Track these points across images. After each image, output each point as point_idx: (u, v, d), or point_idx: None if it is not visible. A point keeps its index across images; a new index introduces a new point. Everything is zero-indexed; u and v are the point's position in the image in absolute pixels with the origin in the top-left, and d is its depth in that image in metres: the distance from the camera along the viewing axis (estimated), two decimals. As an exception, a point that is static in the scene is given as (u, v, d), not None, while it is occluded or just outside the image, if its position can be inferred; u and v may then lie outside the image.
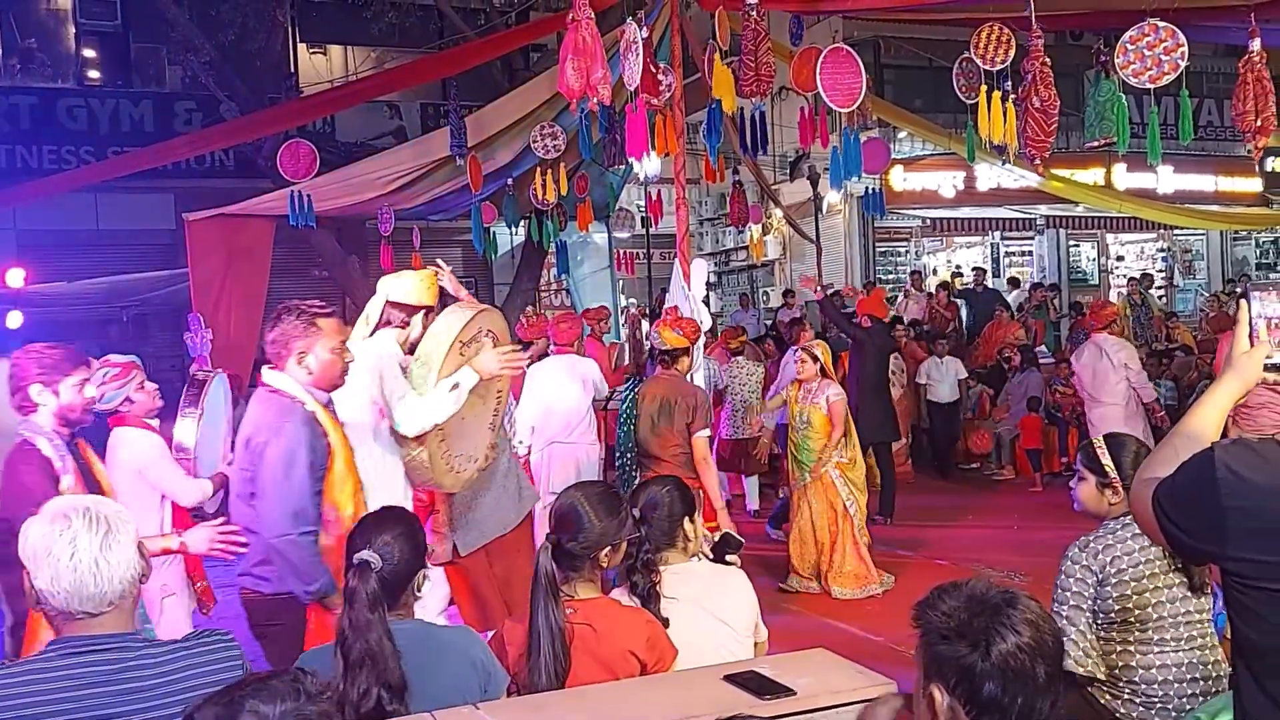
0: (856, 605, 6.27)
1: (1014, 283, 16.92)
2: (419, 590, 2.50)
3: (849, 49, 5.68)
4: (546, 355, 6.73)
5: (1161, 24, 4.47)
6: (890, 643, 5.24)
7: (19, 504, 2.89)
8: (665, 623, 2.69)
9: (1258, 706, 1.70)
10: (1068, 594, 2.81)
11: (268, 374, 3.26)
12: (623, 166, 10.03)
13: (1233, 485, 1.66)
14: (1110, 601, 2.76)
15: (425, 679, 2.31)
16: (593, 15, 4.50)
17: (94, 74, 15.85)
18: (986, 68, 5.16)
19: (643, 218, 16.37)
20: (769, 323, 15.33)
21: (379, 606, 2.24)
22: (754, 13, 5.24)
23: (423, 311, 4.16)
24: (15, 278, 11.28)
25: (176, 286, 10.99)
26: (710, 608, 2.83)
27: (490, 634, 2.89)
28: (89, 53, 15.82)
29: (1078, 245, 19.23)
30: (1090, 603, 2.79)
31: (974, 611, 1.56)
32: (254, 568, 3.17)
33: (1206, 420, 1.85)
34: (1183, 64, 4.44)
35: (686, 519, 2.91)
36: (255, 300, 9.98)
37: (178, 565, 4.26)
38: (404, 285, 4.11)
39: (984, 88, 5.04)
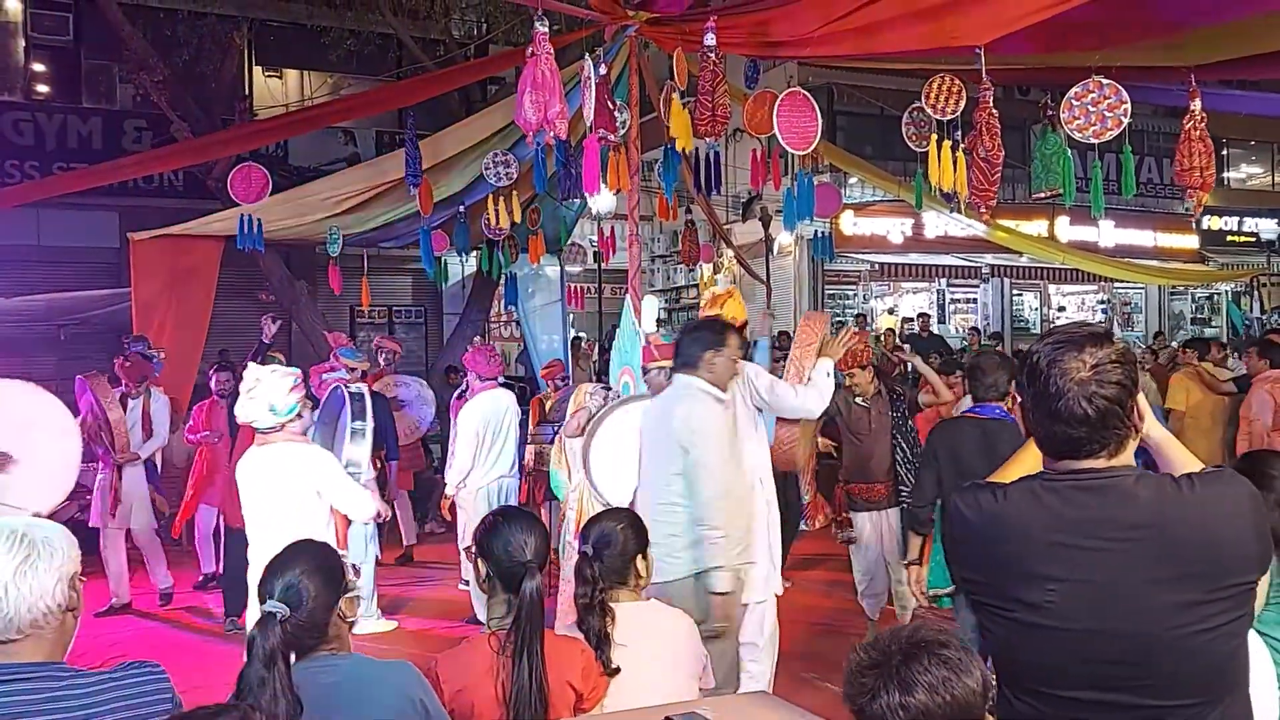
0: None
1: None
2: (350, 616, 2.42)
3: (805, 93, 5.77)
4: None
5: (1106, 81, 4.61)
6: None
7: None
8: (615, 671, 2.65)
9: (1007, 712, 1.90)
10: None
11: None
12: (577, 201, 10.06)
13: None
14: None
15: (359, 715, 2.25)
16: (552, 51, 4.52)
17: (42, 88, 15.58)
18: (937, 117, 5.27)
19: (594, 253, 16.43)
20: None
21: (277, 661, 2.11)
22: (713, 54, 5.31)
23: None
24: (-50, 293, 11.00)
25: (117, 306, 10.78)
26: (656, 651, 2.78)
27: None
28: (38, 67, 15.54)
29: (1021, 295, 19.67)
30: None
31: (872, 661, 1.57)
32: None
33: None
34: (1126, 120, 4.58)
35: (639, 555, 2.86)
36: (198, 322, 9.83)
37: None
38: (735, 309, 4.71)
39: (934, 136, 5.15)
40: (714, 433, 3.93)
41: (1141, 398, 1.97)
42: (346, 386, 4.98)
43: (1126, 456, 1.89)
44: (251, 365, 4.36)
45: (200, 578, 8.20)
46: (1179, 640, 1.77)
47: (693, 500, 3.81)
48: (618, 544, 2.84)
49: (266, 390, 4.09)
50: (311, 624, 2.26)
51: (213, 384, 8.05)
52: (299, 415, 4.22)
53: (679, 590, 3.77)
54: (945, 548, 2.10)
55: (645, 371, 5.15)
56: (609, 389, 6.16)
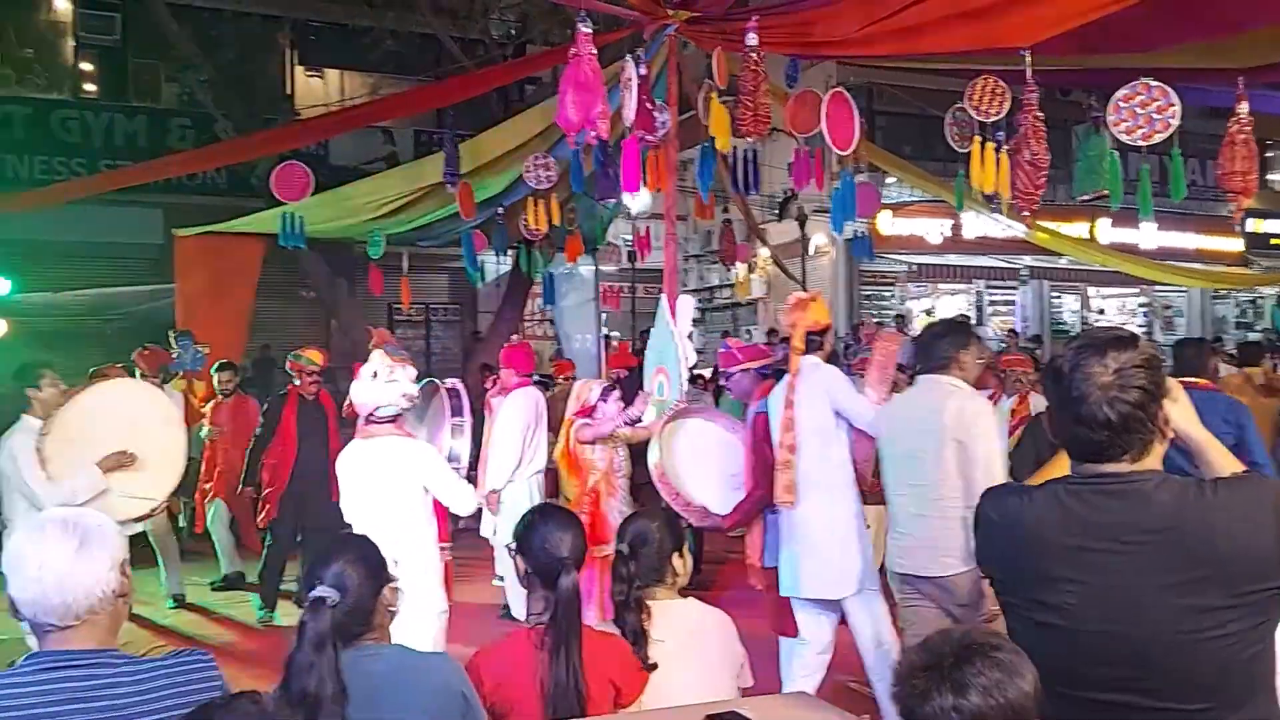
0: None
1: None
2: (392, 605, 2.46)
3: (846, 94, 5.75)
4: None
5: (1155, 83, 4.55)
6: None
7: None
8: (652, 667, 2.66)
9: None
10: None
11: None
12: (613, 201, 10.08)
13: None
14: None
15: (401, 707, 2.28)
16: (595, 51, 4.53)
17: (90, 87, 15.85)
18: (980, 119, 5.23)
19: (629, 252, 16.45)
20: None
21: (327, 646, 2.15)
22: (755, 54, 5.30)
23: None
24: (1, 287, 11.23)
25: (161, 302, 10.95)
26: (695, 649, 2.79)
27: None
28: (86, 66, 15.82)
29: (1060, 297, 19.45)
30: None
31: (924, 663, 1.57)
32: None
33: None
34: (1174, 123, 4.51)
35: (676, 554, 2.88)
36: (240, 319, 9.98)
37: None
38: (818, 312, 4.60)
39: (977, 139, 5.10)
40: (989, 426, 4.06)
41: (1174, 405, 1.96)
42: (443, 382, 5.06)
43: (1151, 461, 1.89)
44: (376, 353, 4.41)
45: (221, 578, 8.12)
46: (1195, 645, 1.78)
47: (969, 493, 3.84)
48: (654, 542, 2.86)
49: (401, 377, 4.16)
50: (358, 610, 2.30)
51: (216, 382, 8.10)
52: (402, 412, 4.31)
53: (963, 583, 3.92)
54: (976, 547, 2.14)
55: (728, 375, 5.15)
56: (615, 386, 6.16)
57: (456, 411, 4.77)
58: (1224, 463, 2.00)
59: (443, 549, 4.47)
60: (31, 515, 4.50)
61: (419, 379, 4.56)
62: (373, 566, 2.38)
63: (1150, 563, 1.81)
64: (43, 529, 1.91)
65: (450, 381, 5.05)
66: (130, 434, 4.88)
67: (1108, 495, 1.87)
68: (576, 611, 2.56)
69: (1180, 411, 2.03)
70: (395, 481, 4.17)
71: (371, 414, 4.23)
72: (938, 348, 4.23)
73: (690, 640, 2.79)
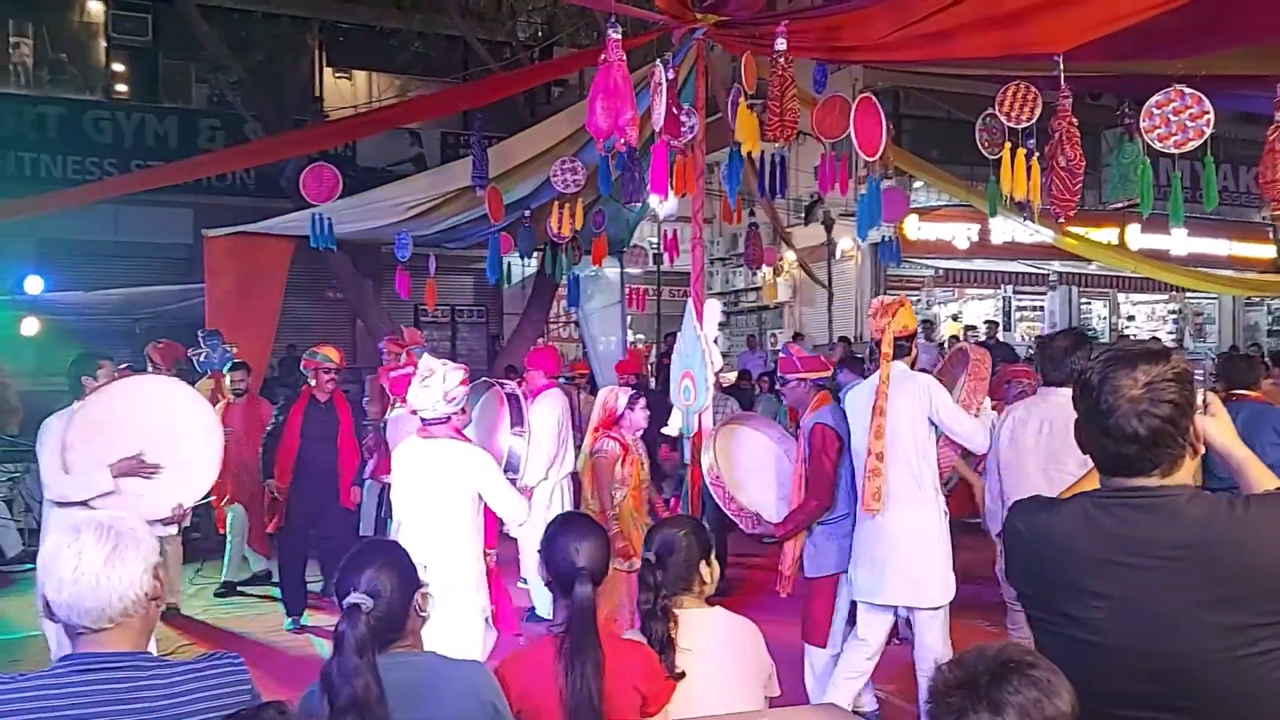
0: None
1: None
2: (423, 611, 2.46)
3: (874, 99, 5.72)
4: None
5: (1188, 90, 4.49)
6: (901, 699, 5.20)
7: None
8: (680, 676, 2.65)
9: None
10: None
11: None
12: (639, 204, 10.08)
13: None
14: None
15: (432, 715, 2.28)
16: (624, 57, 4.53)
17: (122, 88, 16.04)
18: (1011, 125, 5.19)
19: (655, 255, 16.43)
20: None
21: (368, 651, 2.16)
22: (783, 59, 5.28)
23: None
24: (33, 285, 11.36)
25: (191, 301, 11.05)
26: (722, 658, 2.78)
27: None
28: (118, 67, 16.01)
29: (1090, 303, 19.28)
30: None
31: (958, 681, 1.55)
32: None
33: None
34: (1208, 131, 4.46)
35: (703, 562, 2.86)
36: (268, 320, 10.04)
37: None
38: (906, 317, 4.63)
39: (1008, 145, 5.06)
40: None
41: (1212, 420, 1.93)
42: (502, 388, 5.06)
43: (1181, 476, 1.87)
44: (426, 356, 4.41)
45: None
46: (1225, 663, 1.75)
47: None
48: (681, 550, 2.84)
49: (441, 380, 4.15)
50: (391, 617, 2.30)
51: (228, 382, 7.97)
52: (463, 410, 4.28)
53: None
54: (1005, 562, 2.13)
55: (784, 381, 5.15)
56: (637, 390, 6.13)
57: (516, 419, 4.77)
58: (1264, 480, 1.97)
59: (487, 555, 4.45)
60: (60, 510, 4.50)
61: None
62: (404, 572, 2.38)
63: (1180, 579, 1.78)
64: (78, 533, 1.93)
65: (508, 386, 5.04)
66: (163, 436, 4.67)
67: (1136, 509, 1.84)
68: (592, 621, 2.56)
69: (1218, 427, 2.00)
70: (448, 485, 4.15)
71: (425, 418, 4.23)
72: (1068, 361, 4.32)
73: (718, 649, 2.78)
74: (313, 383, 6.95)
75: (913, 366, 4.67)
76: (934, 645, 4.49)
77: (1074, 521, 1.91)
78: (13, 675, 1.89)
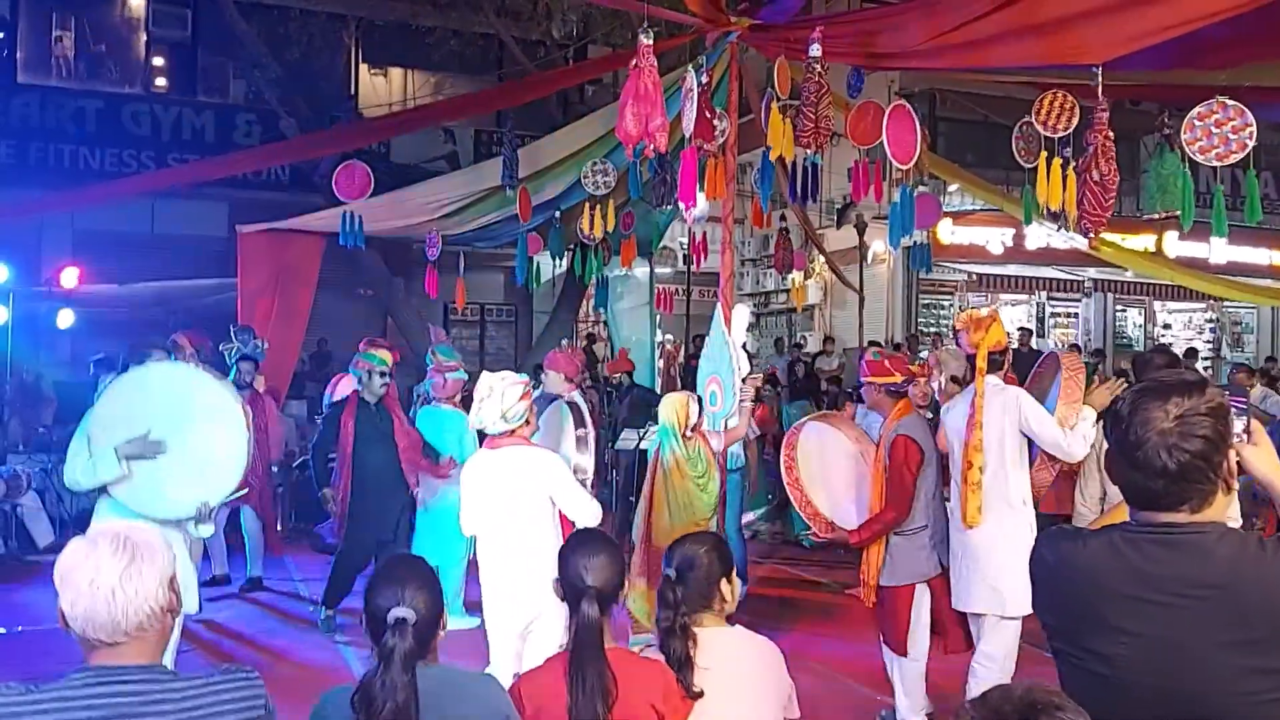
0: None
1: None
2: (444, 630, 2.47)
3: (908, 106, 5.66)
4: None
5: (1231, 102, 4.40)
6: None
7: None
8: (698, 695, 2.63)
9: None
10: None
11: None
12: (669, 207, 10.06)
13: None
14: None
15: (447, 726, 2.28)
16: (655, 63, 4.50)
17: (160, 82, 16.21)
18: (1047, 134, 5.11)
19: (685, 255, 16.38)
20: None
21: (412, 665, 2.20)
22: (818, 65, 5.23)
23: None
24: (69, 277, 11.50)
25: (224, 295, 11.14)
26: (741, 678, 2.74)
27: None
28: (157, 61, 16.19)
29: (1125, 311, 19.02)
30: None
31: None
32: None
33: None
34: (1251, 144, 4.37)
35: (724, 579, 2.82)
36: (299, 316, 10.12)
37: None
38: (999, 332, 4.68)
39: (1044, 154, 4.98)
40: None
41: (1256, 450, 1.87)
42: (568, 395, 5.07)
43: (1214, 512, 1.81)
44: (485, 373, 4.39)
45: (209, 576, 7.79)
46: (1251, 708, 1.71)
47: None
48: (702, 567, 2.80)
49: (499, 399, 4.16)
50: (426, 633, 2.32)
51: (235, 373, 7.66)
52: (527, 422, 4.28)
53: None
54: (1032, 591, 2.06)
55: (860, 385, 5.15)
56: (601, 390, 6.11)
57: (579, 424, 4.79)
58: None
59: None
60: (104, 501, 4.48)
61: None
62: (436, 591, 2.41)
63: (1208, 619, 1.74)
64: (94, 544, 1.92)
65: (570, 395, 5.06)
66: (187, 430, 4.47)
67: (1164, 546, 1.79)
68: (596, 641, 2.55)
69: (1260, 456, 1.94)
70: (523, 491, 4.15)
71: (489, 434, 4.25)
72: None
73: (737, 669, 2.74)
74: (360, 385, 6.71)
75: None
76: (994, 653, 4.53)
77: (1101, 555, 1.86)
78: (28, 686, 1.89)
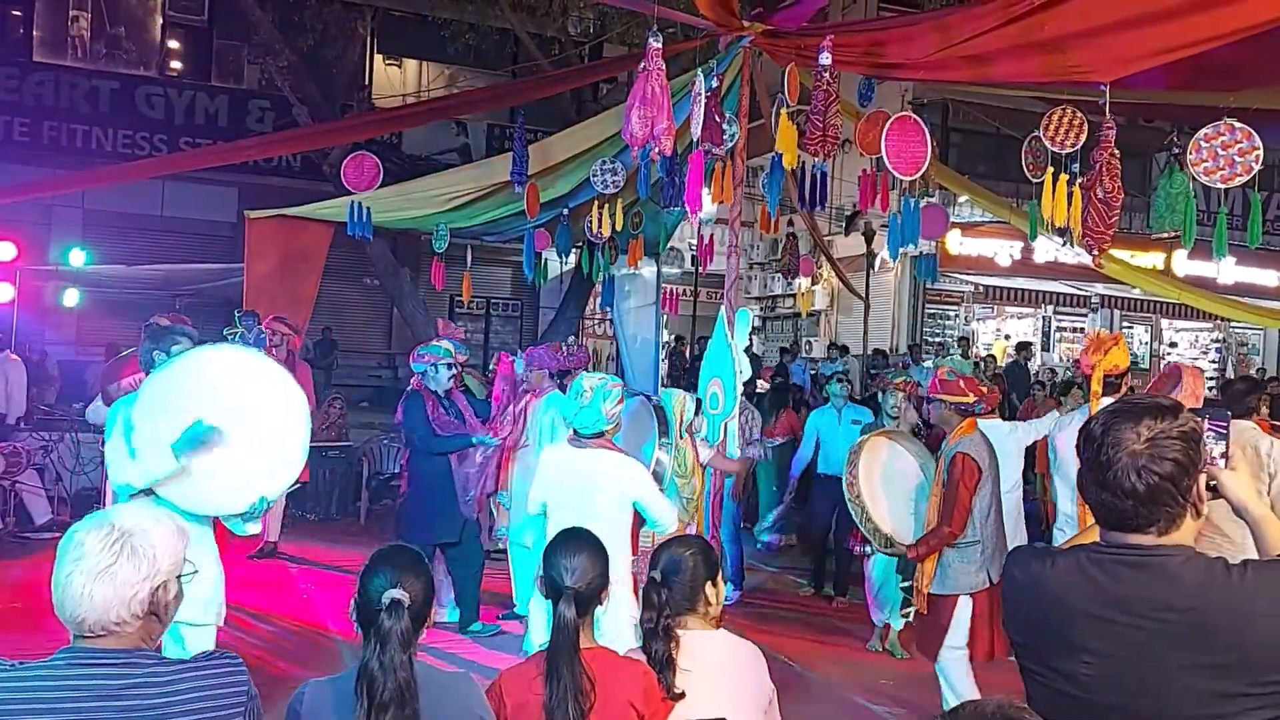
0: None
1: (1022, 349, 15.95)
2: (429, 622, 2.48)
3: (916, 118, 5.66)
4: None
5: (1238, 125, 4.40)
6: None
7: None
8: (678, 696, 2.64)
9: None
10: None
11: None
12: (677, 208, 10.07)
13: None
14: None
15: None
16: (664, 67, 4.51)
17: (175, 65, 16.26)
18: (1055, 150, 5.11)
19: (693, 257, 16.39)
20: (812, 373, 15.23)
21: (410, 645, 2.22)
22: (826, 73, 5.24)
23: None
24: (77, 258, 11.54)
25: (230, 280, 11.18)
26: (723, 681, 2.76)
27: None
28: (173, 44, 16.25)
29: (1132, 327, 19.00)
30: None
31: None
32: None
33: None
34: (1257, 166, 4.37)
35: (709, 583, 2.84)
36: (304, 304, 10.12)
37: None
38: (1119, 355, 4.82)
39: (1050, 170, 4.99)
40: None
41: (1228, 473, 1.89)
42: (648, 399, 5.10)
43: (1181, 536, 1.82)
44: (584, 374, 4.38)
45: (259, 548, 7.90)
46: None
47: None
48: (687, 570, 2.81)
49: (601, 399, 4.16)
50: (417, 621, 2.33)
51: None
52: (617, 425, 4.30)
53: None
54: (1003, 610, 2.10)
55: (928, 400, 5.14)
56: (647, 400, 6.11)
57: (663, 431, 4.82)
58: (1278, 544, 1.92)
59: (633, 561, 4.44)
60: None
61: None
62: (428, 578, 2.42)
63: (1173, 642, 1.75)
64: (88, 534, 1.92)
65: (652, 398, 5.09)
66: (248, 415, 3.90)
67: (1130, 567, 1.81)
68: (571, 641, 2.56)
69: (1236, 481, 1.95)
70: (606, 494, 4.14)
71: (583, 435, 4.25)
72: (1246, 402, 4.82)
73: (718, 672, 2.75)
74: (427, 377, 6.37)
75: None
76: None
77: (1068, 575, 1.88)
78: (14, 664, 1.91)
